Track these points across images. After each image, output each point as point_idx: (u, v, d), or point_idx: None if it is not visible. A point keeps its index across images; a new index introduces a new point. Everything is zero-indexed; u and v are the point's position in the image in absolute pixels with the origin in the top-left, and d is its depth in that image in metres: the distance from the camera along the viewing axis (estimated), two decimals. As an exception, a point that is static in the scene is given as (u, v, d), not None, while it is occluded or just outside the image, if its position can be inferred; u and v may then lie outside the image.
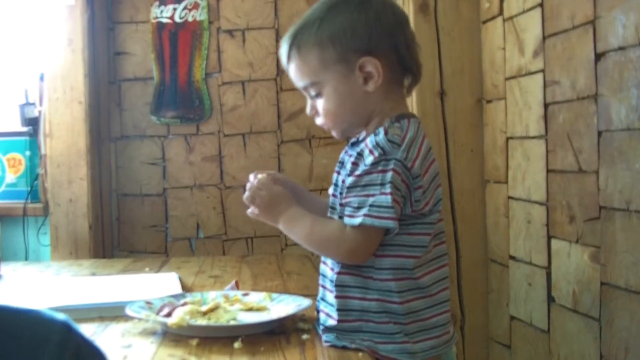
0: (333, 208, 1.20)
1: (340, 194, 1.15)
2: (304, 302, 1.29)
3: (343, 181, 1.16)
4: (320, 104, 1.18)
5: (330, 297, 1.16)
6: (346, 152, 1.24)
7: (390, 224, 1.09)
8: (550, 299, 1.77)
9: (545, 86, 1.78)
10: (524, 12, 1.89)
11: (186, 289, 1.57)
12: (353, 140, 1.24)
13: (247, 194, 1.21)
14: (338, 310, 1.14)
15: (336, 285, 1.14)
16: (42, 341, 0.59)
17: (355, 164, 1.13)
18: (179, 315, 1.16)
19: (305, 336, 1.17)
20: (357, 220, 1.09)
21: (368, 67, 1.14)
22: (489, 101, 2.19)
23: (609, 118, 1.48)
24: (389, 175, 1.09)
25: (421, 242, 1.14)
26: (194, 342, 1.13)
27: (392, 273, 1.13)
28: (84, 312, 1.32)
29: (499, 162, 2.09)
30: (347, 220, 1.11)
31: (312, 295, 1.41)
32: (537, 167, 1.83)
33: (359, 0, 1.16)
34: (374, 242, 1.12)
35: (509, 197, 2.02)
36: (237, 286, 1.49)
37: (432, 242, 1.16)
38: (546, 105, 1.77)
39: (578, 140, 1.62)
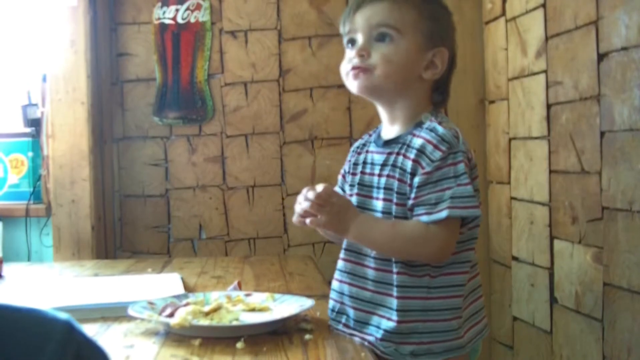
0: (362, 208, 1.19)
1: (403, 194, 1.13)
2: (306, 303, 1.29)
3: (400, 180, 1.14)
4: (382, 48, 1.17)
5: (382, 298, 1.15)
6: (366, 152, 1.24)
7: (477, 212, 1.10)
8: (553, 300, 1.76)
9: (547, 87, 1.78)
10: (526, 12, 1.89)
11: (189, 289, 1.57)
12: (387, 138, 1.22)
13: (310, 204, 1.14)
14: (398, 310, 1.13)
15: (397, 286, 1.13)
16: (44, 340, 0.58)
17: (416, 162, 1.12)
18: (182, 316, 1.16)
19: (307, 336, 1.17)
20: (443, 214, 1.08)
21: (438, 57, 1.19)
22: (491, 102, 2.19)
23: (612, 118, 1.48)
24: (461, 166, 1.10)
25: (475, 234, 1.18)
26: (197, 342, 1.13)
27: (456, 267, 1.15)
28: (86, 312, 1.32)
29: (502, 163, 2.09)
30: (427, 217, 1.10)
31: (315, 295, 1.41)
32: (540, 167, 1.83)
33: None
34: (457, 236, 1.13)
35: (512, 198, 2.02)
36: (239, 287, 1.49)
37: None
38: (549, 106, 1.77)
39: (581, 140, 1.62)
